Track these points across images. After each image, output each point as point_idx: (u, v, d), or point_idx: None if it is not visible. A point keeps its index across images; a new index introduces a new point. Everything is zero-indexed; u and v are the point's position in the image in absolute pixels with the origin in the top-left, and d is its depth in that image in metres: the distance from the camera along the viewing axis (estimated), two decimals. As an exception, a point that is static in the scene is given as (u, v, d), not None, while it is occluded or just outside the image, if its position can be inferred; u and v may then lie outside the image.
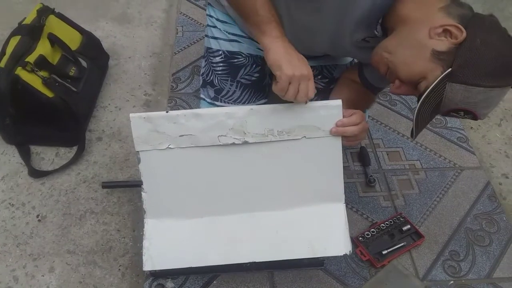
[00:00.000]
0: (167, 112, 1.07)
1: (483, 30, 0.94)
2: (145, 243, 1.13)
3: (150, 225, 1.14)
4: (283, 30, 1.05)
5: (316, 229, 1.15)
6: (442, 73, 0.93)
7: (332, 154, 1.12)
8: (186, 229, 1.14)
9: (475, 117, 0.98)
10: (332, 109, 1.08)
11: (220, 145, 1.09)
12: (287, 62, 1.00)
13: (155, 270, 1.21)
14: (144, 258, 1.12)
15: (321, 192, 1.15)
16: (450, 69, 0.93)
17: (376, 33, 1.09)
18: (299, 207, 1.16)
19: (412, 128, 1.04)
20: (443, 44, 0.94)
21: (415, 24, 0.98)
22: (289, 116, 1.08)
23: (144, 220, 1.14)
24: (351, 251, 1.13)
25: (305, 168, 1.14)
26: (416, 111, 0.99)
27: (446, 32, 0.94)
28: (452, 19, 0.95)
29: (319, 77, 1.42)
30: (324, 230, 1.15)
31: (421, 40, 0.96)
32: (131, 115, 1.07)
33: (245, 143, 1.09)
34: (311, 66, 1.05)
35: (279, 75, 1.00)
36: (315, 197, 1.16)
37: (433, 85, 0.94)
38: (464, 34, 0.92)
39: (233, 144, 1.09)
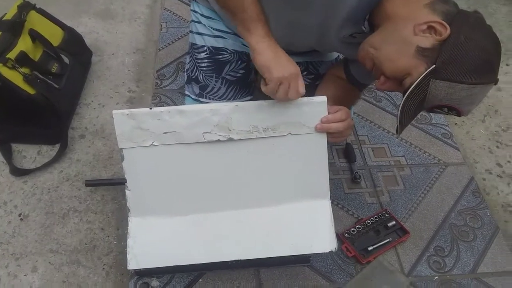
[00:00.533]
0: (150, 108, 1.05)
1: (467, 26, 0.94)
2: (129, 242, 1.11)
3: (134, 223, 1.13)
4: (269, 29, 1.03)
5: (301, 226, 1.14)
6: (426, 70, 0.94)
7: (317, 150, 1.12)
8: (170, 227, 1.13)
9: (459, 114, 0.99)
10: (316, 106, 1.07)
11: (205, 142, 1.08)
12: (276, 64, 0.99)
13: (140, 269, 1.20)
14: (128, 257, 1.10)
15: (306, 189, 1.15)
16: (434, 66, 0.93)
17: (364, 29, 1.09)
18: (285, 204, 1.15)
19: (397, 125, 1.04)
20: (427, 41, 0.94)
21: (400, 21, 0.98)
22: (274, 112, 1.07)
23: (128, 218, 1.13)
24: (336, 248, 1.12)
25: (290, 165, 1.13)
26: (400, 107, 0.99)
27: (431, 28, 0.94)
28: (436, 15, 0.95)
29: (305, 73, 1.42)
30: (310, 227, 1.14)
31: (406, 37, 0.96)
32: (114, 111, 1.05)
33: (230, 140, 1.08)
34: (297, 62, 1.04)
35: (269, 77, 0.99)
36: (300, 193, 1.15)
37: (417, 81, 0.94)
38: (448, 30, 0.93)
39: (218, 141, 1.08)
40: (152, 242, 1.12)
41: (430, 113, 1.77)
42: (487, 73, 0.94)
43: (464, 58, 0.92)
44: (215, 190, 1.14)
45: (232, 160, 1.12)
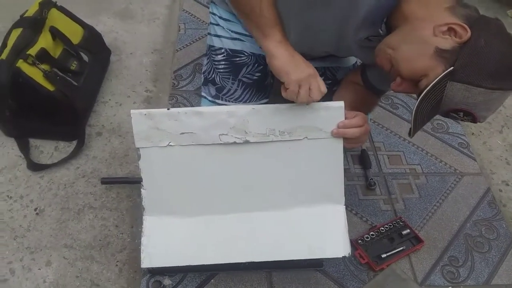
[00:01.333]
0: (168, 109, 1.06)
1: (488, 31, 0.93)
2: (144, 240, 1.12)
3: (149, 222, 1.13)
4: (285, 34, 1.03)
5: (315, 230, 1.14)
6: (444, 71, 0.93)
7: (333, 155, 1.11)
8: (184, 227, 1.14)
9: (474, 120, 0.98)
10: (334, 110, 1.07)
11: (221, 143, 1.09)
12: (293, 67, 0.99)
13: (153, 268, 1.20)
14: (142, 255, 1.11)
15: (321, 193, 1.15)
16: (452, 68, 0.92)
17: (381, 31, 1.08)
18: (299, 208, 1.15)
19: (410, 127, 1.03)
20: (447, 42, 0.93)
21: (419, 22, 0.97)
22: (291, 116, 1.07)
23: (143, 217, 1.13)
24: (350, 253, 1.12)
25: (306, 169, 1.13)
26: (415, 108, 0.98)
27: (451, 30, 0.93)
28: (457, 18, 0.94)
29: (322, 78, 1.41)
30: (324, 231, 1.14)
31: (425, 37, 0.95)
32: (132, 111, 1.05)
33: (246, 142, 1.09)
34: (315, 67, 1.04)
35: (287, 81, 0.99)
36: (315, 198, 1.15)
37: (433, 82, 0.93)
38: (469, 33, 0.92)
39: (234, 143, 1.08)
40: (166, 241, 1.13)
41: (447, 122, 1.77)
42: (506, 79, 0.93)
43: (483, 62, 0.91)
44: (229, 191, 1.14)
45: (248, 162, 1.12)
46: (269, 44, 1.01)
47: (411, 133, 1.04)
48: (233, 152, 1.10)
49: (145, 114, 1.06)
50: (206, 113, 1.07)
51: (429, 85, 0.94)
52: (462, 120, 1.00)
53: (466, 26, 0.92)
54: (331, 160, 1.12)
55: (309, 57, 1.15)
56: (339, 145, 1.10)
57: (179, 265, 1.13)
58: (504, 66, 0.92)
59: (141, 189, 1.12)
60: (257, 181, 1.14)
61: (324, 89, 1.02)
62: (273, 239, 1.13)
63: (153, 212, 1.13)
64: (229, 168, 1.12)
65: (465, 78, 0.91)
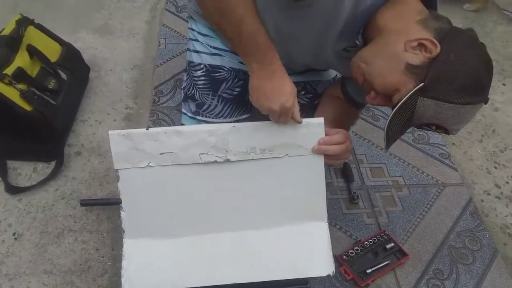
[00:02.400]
0: (147, 129, 1.05)
1: (458, 45, 0.93)
2: (124, 264, 1.10)
3: (129, 245, 1.11)
4: (275, 53, 1.03)
5: (299, 248, 1.13)
6: (414, 87, 0.93)
7: (315, 172, 1.11)
8: (166, 249, 1.12)
9: (447, 132, 0.98)
10: (314, 127, 1.07)
11: (202, 163, 1.07)
12: (269, 94, 1.01)
13: None
14: (122, 279, 1.09)
15: (303, 211, 1.14)
16: (422, 84, 0.92)
17: (358, 42, 1.08)
18: (282, 226, 1.14)
19: (384, 140, 1.04)
20: (417, 58, 0.93)
21: (392, 36, 0.97)
22: (272, 134, 1.07)
23: (123, 239, 1.11)
24: (334, 272, 1.11)
25: (288, 187, 1.12)
26: (386, 123, 0.98)
27: (421, 46, 0.93)
28: (428, 32, 0.94)
29: (303, 92, 1.41)
30: (307, 249, 1.13)
31: (396, 53, 0.95)
32: (110, 132, 1.04)
33: (227, 161, 1.08)
34: (295, 82, 1.04)
35: (260, 108, 1.02)
36: (297, 215, 1.14)
37: (404, 99, 0.94)
38: (438, 48, 0.92)
39: (215, 162, 1.08)
40: (147, 264, 1.11)
41: (427, 133, 1.78)
42: (476, 93, 0.93)
43: (452, 77, 0.91)
44: (211, 211, 1.13)
45: (229, 181, 1.11)
46: (253, 67, 1.03)
47: (386, 146, 1.05)
48: (214, 171, 1.09)
49: (124, 135, 1.04)
50: (186, 132, 1.05)
51: (401, 100, 0.94)
52: (435, 132, 1.01)
53: (435, 41, 0.92)
54: (313, 177, 1.11)
55: (289, 71, 1.15)
56: (320, 161, 1.10)
57: None
58: (474, 81, 0.92)
59: (121, 211, 1.10)
60: (239, 200, 1.13)
61: (299, 119, 1.04)
62: (256, 259, 1.12)
63: (133, 234, 1.11)
64: (210, 187, 1.11)
65: (434, 94, 0.92)
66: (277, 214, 1.14)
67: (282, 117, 1.02)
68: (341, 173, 1.62)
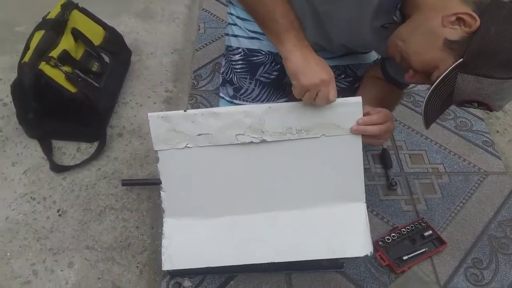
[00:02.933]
0: (185, 111, 1.06)
1: (499, 19, 0.90)
2: (164, 242, 1.13)
3: (169, 224, 1.14)
4: (302, 35, 1.02)
5: (335, 229, 1.13)
6: (454, 63, 0.90)
7: (352, 153, 1.10)
8: (204, 229, 1.14)
9: (489, 109, 0.95)
10: (351, 106, 1.06)
11: (238, 144, 1.08)
12: (305, 71, 0.98)
13: (174, 270, 1.21)
14: (163, 257, 1.12)
15: (341, 191, 1.14)
16: (461, 60, 0.90)
17: (395, 18, 1.06)
18: (319, 207, 1.14)
19: (423, 119, 1.02)
20: (455, 33, 0.91)
21: (429, 11, 0.95)
22: (308, 114, 1.06)
23: (163, 219, 1.14)
24: (372, 252, 1.10)
25: (325, 167, 1.12)
26: (425, 101, 0.96)
27: (460, 20, 0.90)
28: (467, 6, 0.91)
29: (343, 76, 1.40)
30: (344, 230, 1.13)
31: (434, 28, 0.93)
32: (149, 114, 1.06)
33: (263, 141, 1.08)
34: (334, 66, 1.03)
35: (295, 85, 0.99)
36: (334, 196, 1.14)
37: (442, 75, 0.91)
38: (478, 22, 0.89)
39: (251, 142, 1.08)
40: (186, 243, 1.13)
41: (471, 120, 1.73)
42: None
43: (493, 52, 0.88)
44: (248, 192, 1.14)
45: (265, 162, 1.11)
46: (284, 49, 1.00)
47: (426, 126, 1.03)
48: (250, 152, 1.10)
49: (162, 117, 1.06)
50: (222, 113, 1.06)
51: (439, 77, 0.92)
52: (477, 109, 0.99)
53: (475, 15, 0.89)
54: (350, 158, 1.11)
55: (328, 54, 1.14)
56: (358, 142, 1.09)
57: (200, 267, 1.13)
58: None
59: (161, 191, 1.13)
60: (276, 180, 1.13)
61: (333, 97, 1.00)
62: (293, 239, 1.13)
63: (173, 214, 1.14)
64: (246, 168, 1.12)
65: (475, 69, 0.89)
66: (314, 195, 1.14)
67: (319, 99, 1.00)
68: (379, 159, 1.59)
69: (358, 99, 1.06)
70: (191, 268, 1.19)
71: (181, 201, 1.14)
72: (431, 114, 1.01)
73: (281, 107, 1.07)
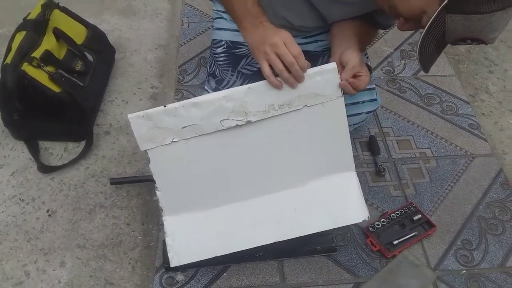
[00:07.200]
0: (165, 106, 1.05)
1: None
2: (168, 241, 1.13)
3: (169, 222, 1.14)
4: (263, 14, 1.11)
5: (332, 200, 1.16)
6: (440, 6, 0.91)
7: (336, 118, 1.12)
8: (205, 220, 1.14)
9: (484, 42, 0.96)
10: (328, 73, 1.07)
11: (224, 129, 1.08)
12: (260, 37, 1.06)
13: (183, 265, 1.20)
14: (169, 255, 1.12)
15: (331, 163, 1.16)
16: (446, 1, 0.90)
17: None
18: (312, 181, 1.16)
19: (419, 64, 1.05)
20: None
21: None
22: (287, 88, 1.06)
23: (163, 217, 1.14)
24: (369, 217, 1.15)
25: (312, 139, 1.13)
26: (418, 45, 0.98)
27: None
28: None
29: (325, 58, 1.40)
30: (340, 200, 1.16)
31: None
32: (129, 115, 1.05)
33: (248, 123, 1.08)
34: (313, 51, 1.04)
35: (255, 56, 1.07)
36: (325, 168, 1.16)
37: (431, 20, 0.93)
38: None
39: (237, 126, 1.08)
40: (190, 237, 1.14)
41: (456, 104, 1.74)
42: None
43: None
44: (241, 177, 1.14)
45: (254, 143, 1.12)
46: (242, 30, 1.10)
47: (424, 69, 1.06)
48: (237, 135, 1.10)
49: (143, 116, 1.05)
50: (203, 102, 1.06)
51: (428, 22, 0.94)
52: (472, 45, 0.99)
53: None
54: (335, 124, 1.12)
55: (305, 33, 1.14)
56: (340, 105, 1.10)
57: (208, 258, 1.14)
58: None
59: (156, 191, 1.12)
60: (266, 160, 1.14)
61: (296, 51, 1.03)
62: (294, 217, 1.15)
63: (172, 211, 1.14)
64: (236, 152, 1.12)
65: (460, 8, 0.90)
66: (306, 170, 1.16)
67: (287, 64, 1.02)
68: (367, 146, 1.60)
69: (333, 65, 1.08)
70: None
71: (178, 197, 1.13)
72: (428, 57, 1.03)
73: (260, 85, 1.07)
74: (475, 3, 0.89)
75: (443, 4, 0.91)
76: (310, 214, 1.15)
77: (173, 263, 1.12)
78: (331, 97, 1.09)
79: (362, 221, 1.16)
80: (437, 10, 0.91)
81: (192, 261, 1.15)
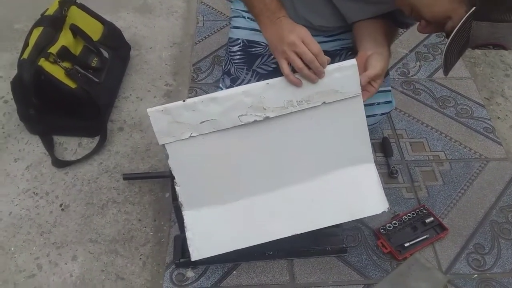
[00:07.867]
0: (184, 101, 1.05)
1: None
2: (188, 235, 1.13)
3: (189, 217, 1.14)
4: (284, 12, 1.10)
5: (350, 192, 1.15)
6: (466, 12, 0.90)
7: (355, 115, 1.11)
8: (224, 214, 1.14)
9: (504, 48, 0.96)
10: (347, 70, 1.06)
11: (242, 124, 1.08)
12: (278, 34, 1.06)
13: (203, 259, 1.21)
14: (190, 249, 1.12)
15: (349, 155, 1.15)
16: (474, 8, 0.90)
17: None
18: (330, 174, 1.15)
19: (442, 67, 1.03)
20: None
21: None
22: (306, 84, 1.06)
23: (183, 212, 1.14)
24: (389, 208, 1.14)
25: (330, 134, 1.13)
26: (444, 52, 0.97)
27: None
28: None
29: (350, 53, 1.39)
30: (358, 191, 1.15)
31: None
32: (148, 110, 1.04)
33: (267, 118, 1.08)
34: (332, 51, 1.04)
35: (275, 55, 1.07)
36: (344, 161, 1.15)
37: (458, 26, 0.92)
38: None
39: (255, 121, 1.07)
40: (209, 231, 1.14)
41: (471, 107, 1.72)
42: None
43: None
44: (259, 171, 1.14)
45: (272, 138, 1.11)
46: (261, 27, 1.10)
47: (445, 72, 1.05)
48: (255, 131, 1.10)
49: (162, 110, 1.05)
50: (221, 97, 1.06)
51: (454, 27, 0.93)
52: (492, 50, 1.02)
53: None
54: (354, 120, 1.12)
55: (325, 34, 1.13)
56: (359, 103, 1.10)
57: (228, 251, 1.14)
58: None
59: (175, 187, 1.11)
60: (284, 155, 1.14)
61: (316, 49, 1.03)
62: (311, 209, 1.14)
63: (191, 206, 1.14)
64: (254, 147, 1.12)
65: (487, 15, 0.89)
66: (324, 163, 1.15)
67: (307, 61, 1.02)
68: (380, 147, 1.60)
69: (352, 61, 1.07)
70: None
71: (196, 191, 1.13)
72: (450, 62, 1.02)
73: (279, 81, 1.06)
74: (502, 11, 0.88)
75: (471, 11, 0.90)
76: (328, 206, 1.14)
77: (194, 257, 1.12)
78: (349, 94, 1.08)
79: (382, 212, 1.14)
80: (465, 17, 0.90)
81: (212, 255, 1.15)
